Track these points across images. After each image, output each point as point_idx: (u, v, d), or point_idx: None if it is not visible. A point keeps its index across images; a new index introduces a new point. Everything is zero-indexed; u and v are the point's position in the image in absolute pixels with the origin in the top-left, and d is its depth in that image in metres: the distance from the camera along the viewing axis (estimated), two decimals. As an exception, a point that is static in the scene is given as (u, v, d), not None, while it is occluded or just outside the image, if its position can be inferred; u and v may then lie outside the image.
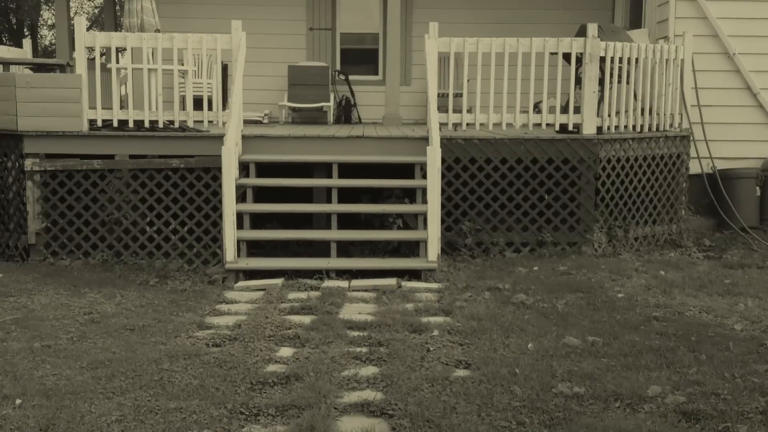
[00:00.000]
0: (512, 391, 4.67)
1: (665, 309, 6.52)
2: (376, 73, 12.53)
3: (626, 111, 8.99)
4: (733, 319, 6.27)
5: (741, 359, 5.26)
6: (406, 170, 8.38)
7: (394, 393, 4.65)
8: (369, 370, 5.05)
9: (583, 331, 5.87)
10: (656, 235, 9.18)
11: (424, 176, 7.95)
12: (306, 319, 6.17)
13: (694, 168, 9.78)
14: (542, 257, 8.36)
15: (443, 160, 8.09)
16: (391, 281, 7.30)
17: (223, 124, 8.42)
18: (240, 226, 7.83)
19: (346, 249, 8.08)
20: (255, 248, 8.07)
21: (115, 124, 8.51)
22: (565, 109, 8.83)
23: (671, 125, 9.54)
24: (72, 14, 17.81)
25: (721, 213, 9.71)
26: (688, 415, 4.37)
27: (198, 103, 8.87)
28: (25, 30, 24.24)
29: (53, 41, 25.40)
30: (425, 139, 8.31)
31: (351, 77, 12.05)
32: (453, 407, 4.45)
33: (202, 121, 8.66)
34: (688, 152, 9.67)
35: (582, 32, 8.75)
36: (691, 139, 9.73)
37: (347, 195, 8.26)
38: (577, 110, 8.75)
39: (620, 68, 8.83)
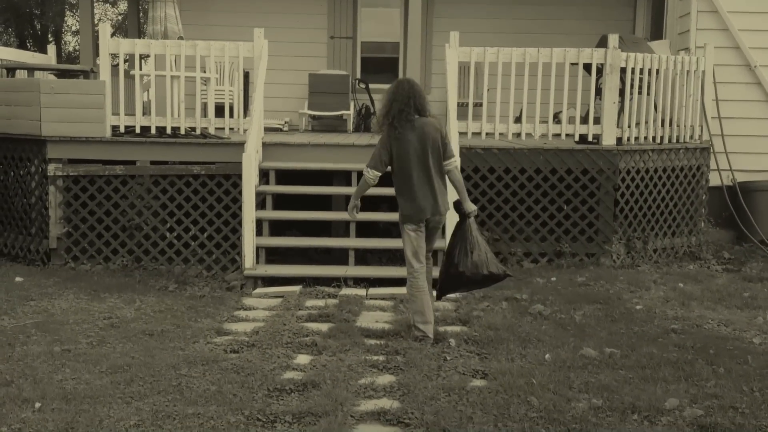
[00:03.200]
0: (529, 401, 4.67)
1: (684, 321, 6.49)
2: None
3: (646, 122, 8.96)
4: (751, 332, 6.23)
5: (759, 373, 5.23)
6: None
7: (411, 402, 4.66)
8: (386, 379, 5.06)
9: (601, 342, 5.86)
10: (675, 247, 9.13)
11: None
12: (323, 327, 6.20)
13: (714, 180, 9.72)
14: (560, 268, 8.34)
15: (462, 169, 8.09)
16: (409, 290, 7.30)
17: (244, 131, 8.48)
18: (259, 232, 7.88)
19: (363, 257, 8.10)
20: (273, 255, 8.11)
21: (138, 130, 8.59)
22: (584, 120, 8.82)
23: (691, 137, 9.50)
24: (96, 21, 17.99)
25: (741, 226, 9.65)
26: (705, 429, 4.36)
27: (219, 111, 8.94)
28: (49, 36, 24.48)
29: (77, 47, 25.67)
30: (444, 149, 8.31)
31: (371, 86, 12.08)
32: (469, 417, 4.45)
33: (223, 129, 8.72)
34: (708, 164, 9.62)
35: (603, 43, 8.74)
36: (712, 151, 9.68)
37: (366, 203, 8.23)
38: (597, 121, 8.74)
39: (641, 79, 8.81)
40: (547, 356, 5.52)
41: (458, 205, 5.94)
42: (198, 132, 8.67)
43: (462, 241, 5.86)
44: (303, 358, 5.46)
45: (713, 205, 9.74)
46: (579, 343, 5.81)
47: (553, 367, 5.29)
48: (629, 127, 8.80)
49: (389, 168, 5.91)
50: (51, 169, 8.32)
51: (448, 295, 6.36)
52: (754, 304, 7.07)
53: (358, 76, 12.56)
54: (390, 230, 8.38)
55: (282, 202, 8.43)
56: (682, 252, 9.16)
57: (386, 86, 6.19)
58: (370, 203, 8.29)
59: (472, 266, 5.80)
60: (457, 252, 5.85)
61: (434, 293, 6.16)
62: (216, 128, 8.73)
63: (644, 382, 5.02)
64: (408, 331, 6.01)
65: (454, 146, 7.86)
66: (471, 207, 5.92)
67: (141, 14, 14.51)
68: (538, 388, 4.88)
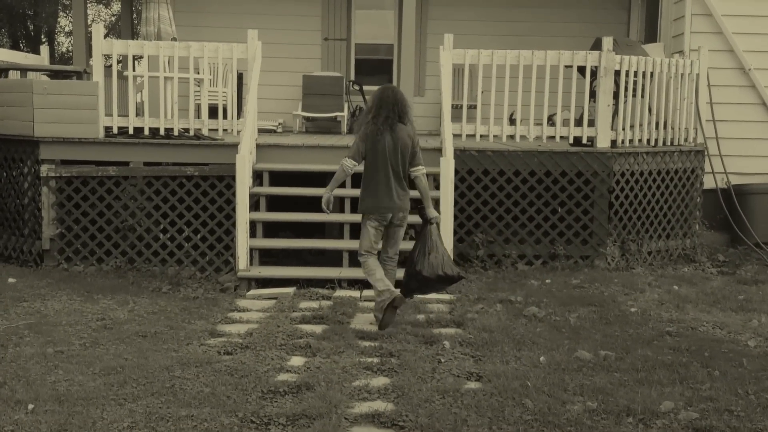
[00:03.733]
0: (524, 404, 4.66)
1: (678, 324, 6.49)
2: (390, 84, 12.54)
3: (641, 125, 8.97)
4: (746, 335, 6.23)
5: (754, 375, 5.23)
6: (419, 181, 8.38)
7: (405, 404, 4.65)
8: (380, 381, 5.05)
9: (596, 345, 5.85)
10: (670, 250, 9.14)
11: (437, 187, 7.96)
12: (317, 329, 6.18)
13: (709, 183, 9.74)
14: (555, 270, 8.34)
15: (456, 172, 8.10)
16: (403, 292, 7.29)
17: (238, 132, 8.45)
18: (253, 234, 7.85)
19: (357, 259, 8.06)
20: (267, 257, 8.09)
21: (131, 131, 8.55)
22: (579, 122, 8.82)
23: (686, 140, 9.51)
24: (89, 22, 17.94)
25: (736, 228, 9.66)
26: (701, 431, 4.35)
27: (213, 112, 8.92)
28: (42, 37, 24.42)
29: (70, 48, 25.60)
30: (439, 150, 8.31)
31: (365, 87, 12.07)
32: (464, 420, 4.44)
33: (216, 130, 8.69)
34: (703, 167, 9.63)
35: (597, 46, 8.74)
36: (706, 153, 9.69)
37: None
38: (591, 123, 8.74)
39: (635, 82, 8.82)
40: (541, 358, 5.51)
41: (422, 211, 6.38)
42: (191, 133, 8.64)
43: (422, 244, 6.32)
44: (297, 360, 5.44)
45: (708, 208, 9.75)
46: (574, 346, 5.80)
47: (547, 370, 5.28)
48: (624, 129, 8.81)
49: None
50: (44, 170, 8.29)
51: (442, 297, 6.37)
52: (749, 307, 7.07)
53: (352, 78, 12.56)
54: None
55: (276, 203, 8.41)
56: (676, 254, 9.17)
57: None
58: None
59: (429, 267, 6.24)
60: (416, 253, 6.32)
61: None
62: (209, 129, 8.71)
63: (639, 385, 5.01)
64: (402, 333, 6.00)
65: (448, 147, 7.86)
66: (433, 214, 6.38)
67: (134, 15, 14.48)
68: (533, 390, 4.87)
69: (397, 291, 6.23)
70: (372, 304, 6.95)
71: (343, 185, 8.22)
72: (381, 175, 6.23)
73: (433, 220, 6.37)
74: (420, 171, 6.31)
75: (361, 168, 6.41)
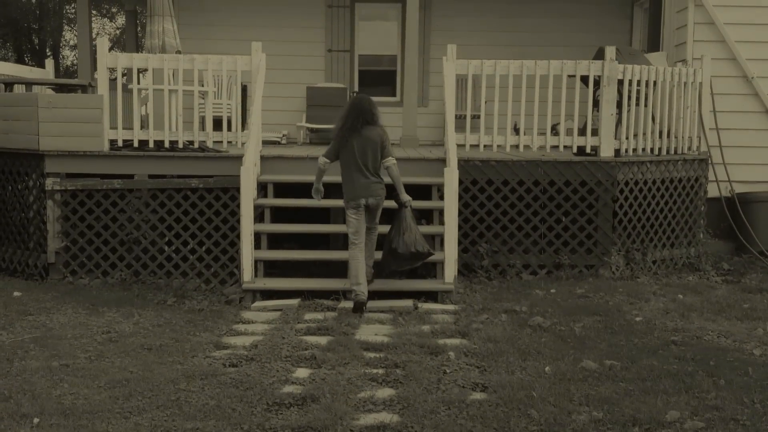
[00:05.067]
0: (529, 414, 4.65)
1: (684, 333, 6.48)
2: (394, 95, 12.59)
3: (644, 134, 8.97)
4: (752, 343, 6.21)
5: (760, 384, 5.21)
6: (423, 191, 8.40)
7: (411, 415, 4.64)
8: (385, 392, 5.04)
9: (601, 354, 5.84)
10: (674, 259, 9.13)
11: (441, 197, 7.97)
12: (322, 340, 6.18)
13: (713, 191, 9.73)
14: (559, 280, 8.33)
15: (460, 182, 8.11)
16: (408, 303, 7.30)
17: (242, 144, 8.48)
18: (257, 246, 7.87)
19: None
20: (271, 268, 8.10)
21: (136, 144, 8.59)
22: (582, 132, 8.83)
23: (689, 148, 9.51)
24: (94, 35, 18.02)
25: (740, 237, 9.65)
26: (707, 441, 4.34)
27: (218, 124, 8.95)
28: (47, 50, 24.54)
29: (75, 62, 25.71)
30: (442, 161, 8.33)
31: (369, 98, 12.10)
32: (469, 431, 4.44)
33: (221, 142, 8.73)
34: (707, 175, 9.63)
35: (600, 55, 8.76)
36: (710, 162, 9.69)
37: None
38: (595, 132, 8.75)
39: (638, 91, 8.83)
40: (547, 369, 5.50)
41: (396, 197, 7.27)
42: (196, 145, 8.67)
43: (397, 225, 7.23)
44: (302, 372, 5.44)
45: (712, 217, 9.74)
46: (579, 356, 5.79)
47: (553, 380, 5.27)
48: (627, 138, 8.82)
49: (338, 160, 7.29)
50: (49, 183, 8.32)
51: (447, 307, 6.37)
52: (754, 316, 7.06)
53: (356, 89, 12.59)
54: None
55: (280, 214, 8.42)
56: (681, 263, 9.16)
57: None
58: (368, 216, 8.30)
59: (403, 245, 7.14)
60: (393, 233, 7.23)
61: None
62: (214, 141, 8.73)
63: (645, 395, 5.00)
64: (407, 344, 6.01)
65: (452, 157, 7.89)
66: (405, 198, 7.27)
67: (139, 29, 14.56)
68: (539, 400, 4.86)
69: (364, 297, 7.05)
70: (377, 315, 6.96)
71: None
72: (352, 169, 7.17)
73: (406, 204, 7.24)
74: (390, 162, 7.20)
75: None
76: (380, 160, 7.20)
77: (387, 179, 7.30)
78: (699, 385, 5.18)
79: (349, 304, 7.25)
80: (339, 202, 8.44)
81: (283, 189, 8.51)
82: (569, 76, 8.66)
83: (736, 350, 6.03)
